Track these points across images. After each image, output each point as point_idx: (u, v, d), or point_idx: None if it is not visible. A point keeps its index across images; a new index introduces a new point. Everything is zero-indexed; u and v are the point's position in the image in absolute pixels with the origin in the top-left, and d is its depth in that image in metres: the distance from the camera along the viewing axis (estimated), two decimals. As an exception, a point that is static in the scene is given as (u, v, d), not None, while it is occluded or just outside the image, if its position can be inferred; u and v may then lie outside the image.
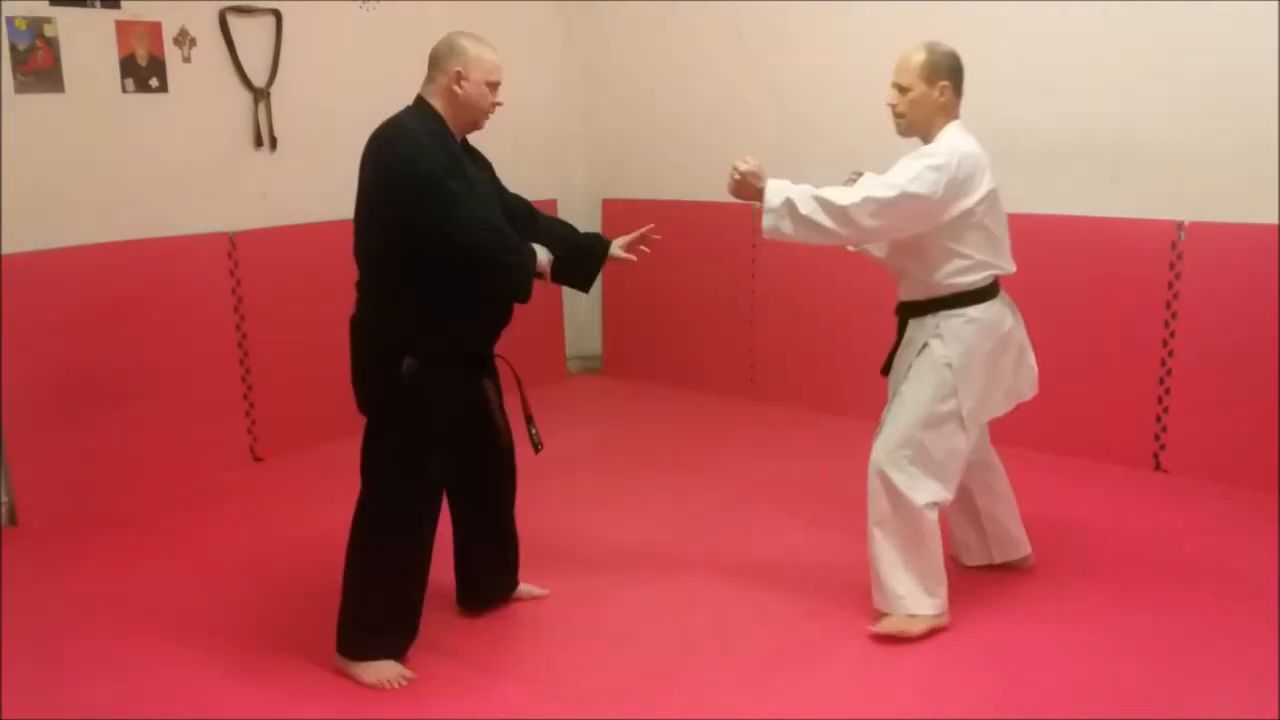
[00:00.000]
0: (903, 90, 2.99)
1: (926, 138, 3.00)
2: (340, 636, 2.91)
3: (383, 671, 2.85)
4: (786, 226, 2.90)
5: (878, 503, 3.02)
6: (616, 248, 3.13)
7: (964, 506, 3.32)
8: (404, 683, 2.84)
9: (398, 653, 2.90)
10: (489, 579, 3.24)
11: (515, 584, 3.31)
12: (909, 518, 2.99)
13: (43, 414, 4.01)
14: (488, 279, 2.79)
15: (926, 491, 2.98)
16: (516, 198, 3.12)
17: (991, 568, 3.40)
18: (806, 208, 2.88)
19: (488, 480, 3.12)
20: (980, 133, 3.01)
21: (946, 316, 3.01)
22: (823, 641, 3.05)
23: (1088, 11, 4.32)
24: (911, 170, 2.87)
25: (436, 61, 2.83)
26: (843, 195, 2.88)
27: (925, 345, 3.02)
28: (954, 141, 2.94)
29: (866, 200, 2.85)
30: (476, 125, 2.89)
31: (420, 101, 2.85)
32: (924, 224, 2.91)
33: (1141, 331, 4.32)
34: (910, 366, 3.05)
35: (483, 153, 3.05)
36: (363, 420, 2.94)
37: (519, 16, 5.56)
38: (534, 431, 3.09)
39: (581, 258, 3.11)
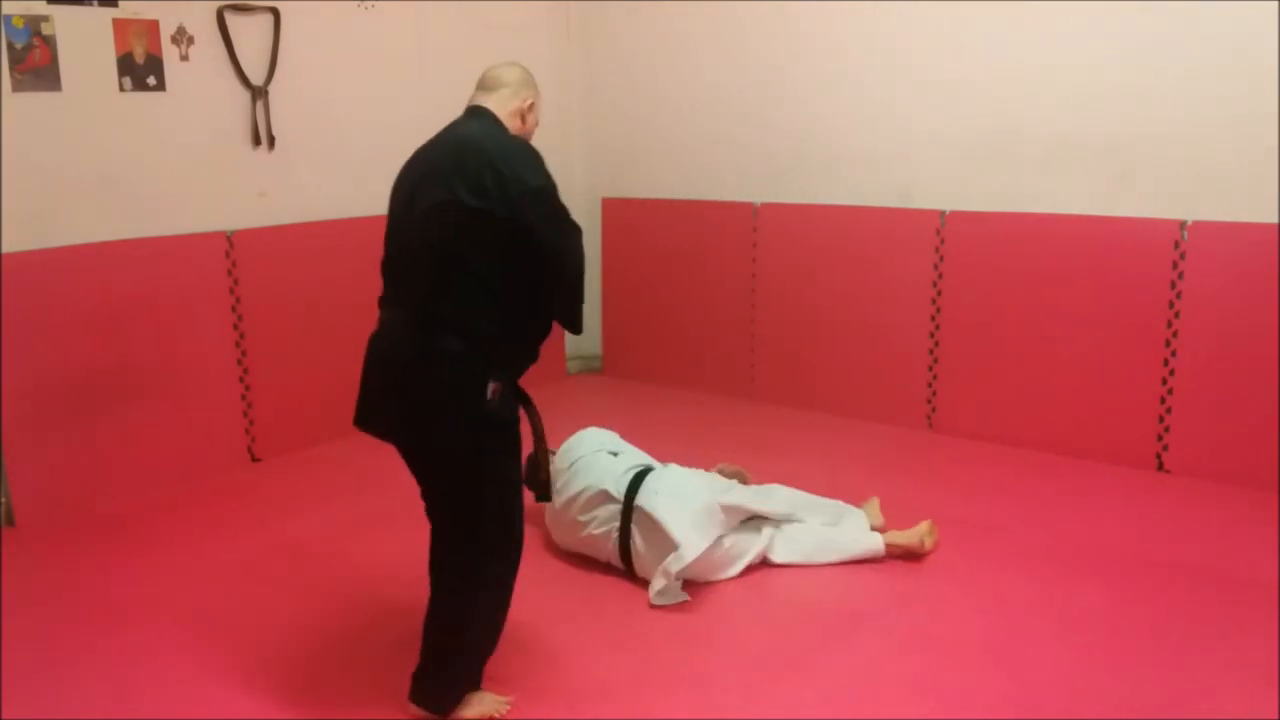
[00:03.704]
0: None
1: None
2: (426, 689, 2.68)
3: (486, 705, 2.71)
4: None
5: None
6: None
7: None
8: (506, 709, 2.72)
9: (479, 683, 2.76)
10: None
11: None
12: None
13: (41, 414, 4.00)
14: (569, 304, 2.65)
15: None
16: None
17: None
18: None
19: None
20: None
21: None
22: (825, 642, 3.04)
23: (1092, 10, 4.30)
24: None
25: (510, 84, 2.76)
26: None
27: None
28: None
29: None
30: None
31: (493, 117, 2.71)
32: None
33: (1144, 331, 4.31)
34: None
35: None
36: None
37: (519, 16, 5.54)
38: (544, 478, 2.90)
39: None
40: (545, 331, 2.70)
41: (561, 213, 2.57)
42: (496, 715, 2.71)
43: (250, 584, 3.47)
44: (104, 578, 3.54)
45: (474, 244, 2.50)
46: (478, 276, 2.52)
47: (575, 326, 2.71)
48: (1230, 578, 3.38)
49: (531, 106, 2.79)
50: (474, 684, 2.74)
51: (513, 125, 2.74)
